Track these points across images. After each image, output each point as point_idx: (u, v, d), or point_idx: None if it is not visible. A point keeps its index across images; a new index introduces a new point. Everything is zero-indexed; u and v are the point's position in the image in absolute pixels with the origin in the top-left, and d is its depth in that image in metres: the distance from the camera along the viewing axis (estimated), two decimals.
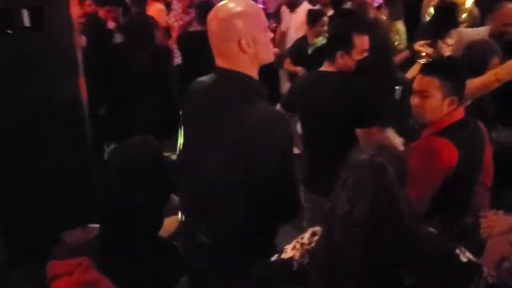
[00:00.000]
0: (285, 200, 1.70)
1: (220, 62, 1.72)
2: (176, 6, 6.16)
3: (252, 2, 1.76)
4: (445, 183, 2.15)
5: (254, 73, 1.73)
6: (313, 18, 4.85)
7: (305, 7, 5.76)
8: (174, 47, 5.89)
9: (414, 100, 2.28)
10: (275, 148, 1.62)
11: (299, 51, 4.89)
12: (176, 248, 1.91)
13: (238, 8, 1.67)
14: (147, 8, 6.00)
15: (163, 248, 1.88)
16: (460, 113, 2.26)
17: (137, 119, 4.09)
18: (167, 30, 6.12)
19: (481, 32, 3.94)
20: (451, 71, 2.26)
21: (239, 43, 1.65)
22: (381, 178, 1.35)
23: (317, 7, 5.80)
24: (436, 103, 2.20)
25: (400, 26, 5.14)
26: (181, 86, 5.21)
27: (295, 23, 5.72)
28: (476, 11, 5.29)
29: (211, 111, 1.74)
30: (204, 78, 1.84)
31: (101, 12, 5.24)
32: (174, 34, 5.89)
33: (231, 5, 1.68)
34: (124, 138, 1.91)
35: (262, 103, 1.67)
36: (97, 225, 1.92)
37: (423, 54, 4.10)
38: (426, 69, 2.31)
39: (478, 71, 2.89)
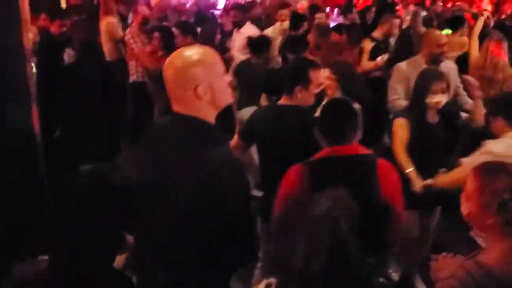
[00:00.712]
0: (242, 244, 1.74)
1: (176, 107, 1.74)
2: (133, 22, 6.08)
3: (209, 48, 1.78)
4: None
5: (211, 117, 1.75)
6: (258, 48, 4.71)
7: (248, 28, 5.77)
8: (131, 63, 5.79)
9: None
10: (233, 193, 1.65)
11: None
12: (131, 281, 1.90)
13: (195, 57, 1.68)
14: (100, 21, 5.90)
15: (117, 281, 1.86)
16: (324, 152, 2.40)
17: (86, 141, 3.99)
18: (123, 42, 6.01)
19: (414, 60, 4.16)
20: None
21: (195, 90, 1.67)
22: (335, 233, 1.43)
23: None
24: None
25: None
26: None
27: (238, 43, 5.68)
28: None
29: (168, 157, 1.75)
30: (160, 122, 1.85)
31: (53, 28, 5.09)
32: (130, 52, 5.79)
33: (187, 53, 1.69)
34: (78, 161, 1.88)
35: (219, 148, 1.69)
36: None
37: None
38: None
39: (422, 95, 3.22)
